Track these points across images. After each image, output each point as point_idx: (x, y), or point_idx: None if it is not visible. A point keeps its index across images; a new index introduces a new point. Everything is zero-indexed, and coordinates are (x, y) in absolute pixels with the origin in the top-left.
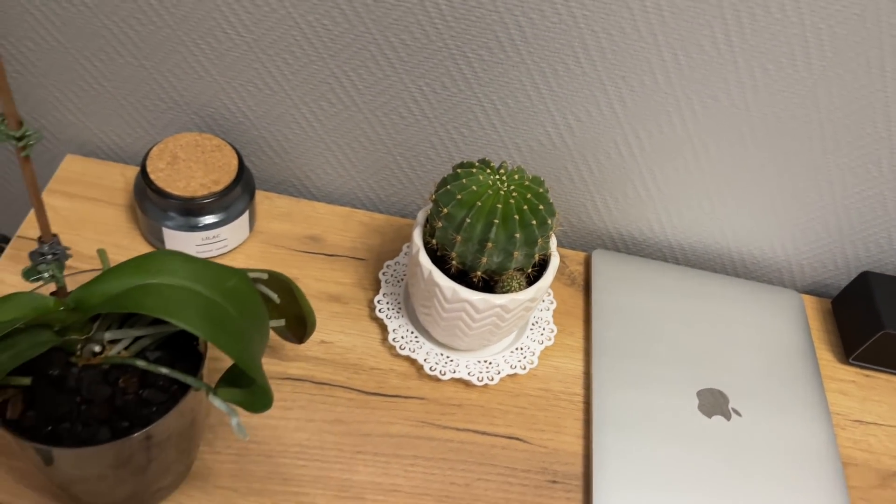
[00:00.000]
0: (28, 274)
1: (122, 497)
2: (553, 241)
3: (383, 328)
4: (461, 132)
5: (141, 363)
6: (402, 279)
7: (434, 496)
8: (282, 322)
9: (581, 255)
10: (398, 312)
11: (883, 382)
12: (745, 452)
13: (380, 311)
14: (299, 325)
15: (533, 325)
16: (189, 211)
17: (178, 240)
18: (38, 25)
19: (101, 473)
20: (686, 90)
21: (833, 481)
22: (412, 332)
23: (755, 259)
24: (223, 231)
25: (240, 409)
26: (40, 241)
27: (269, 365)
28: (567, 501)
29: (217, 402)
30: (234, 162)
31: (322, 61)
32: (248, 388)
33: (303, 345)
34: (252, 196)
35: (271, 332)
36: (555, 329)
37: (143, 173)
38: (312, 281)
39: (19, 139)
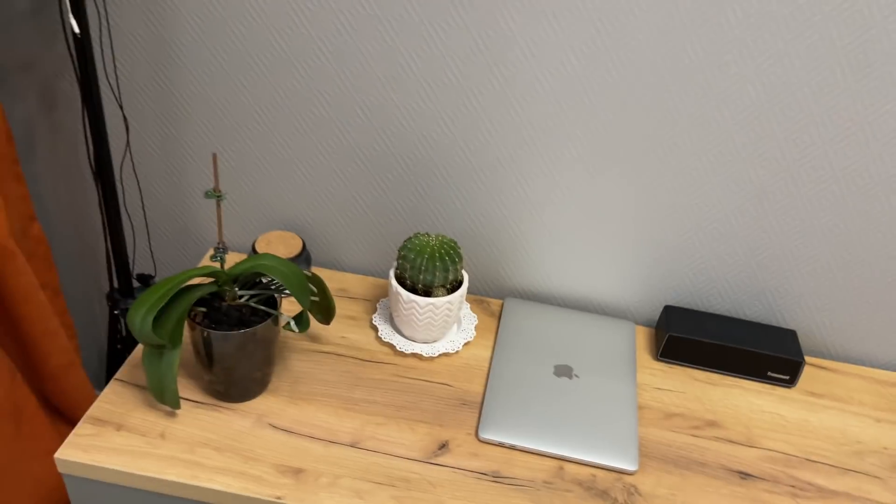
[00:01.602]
0: (213, 257)
1: (238, 377)
2: (465, 275)
3: (376, 330)
4: (423, 227)
5: (253, 304)
6: (388, 307)
7: (396, 407)
8: (316, 298)
9: (500, 301)
10: (385, 322)
11: (679, 371)
12: (579, 397)
13: (375, 321)
14: (326, 311)
15: (462, 330)
16: None
17: None
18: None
19: (232, 353)
20: (532, 211)
21: (630, 413)
22: (392, 331)
23: (607, 303)
24: None
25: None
26: (218, 244)
27: (312, 345)
28: (470, 413)
29: (284, 317)
30: (300, 244)
31: (348, 190)
32: (302, 322)
33: (331, 335)
34: (309, 265)
35: (313, 326)
36: (474, 334)
37: (253, 249)
38: (341, 310)
39: (219, 196)
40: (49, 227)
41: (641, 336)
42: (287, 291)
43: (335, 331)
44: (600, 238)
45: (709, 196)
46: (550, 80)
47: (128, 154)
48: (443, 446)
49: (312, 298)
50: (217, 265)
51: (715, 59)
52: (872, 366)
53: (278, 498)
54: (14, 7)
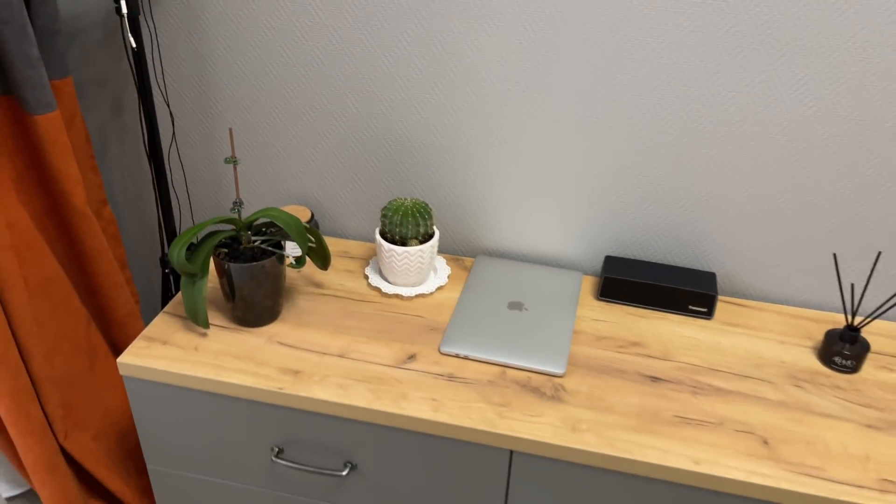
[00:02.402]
0: (231, 209)
1: (254, 304)
2: (436, 230)
3: (367, 278)
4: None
5: (264, 246)
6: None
7: (377, 331)
8: (314, 245)
9: (472, 259)
10: (374, 273)
11: (616, 308)
12: (524, 323)
13: (366, 272)
14: (323, 258)
15: (438, 278)
16: None
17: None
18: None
19: (247, 282)
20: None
21: (565, 335)
22: (379, 279)
23: (561, 257)
24: None
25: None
26: (235, 199)
27: (316, 290)
28: (437, 336)
29: (288, 252)
30: (309, 214)
31: (346, 170)
32: (300, 261)
33: (331, 282)
34: None
35: (316, 275)
36: (447, 280)
37: None
38: (341, 266)
39: (235, 161)
40: (117, 211)
41: (588, 284)
42: (290, 238)
43: (335, 280)
44: (551, 202)
45: (632, 161)
46: (494, 71)
47: (174, 143)
48: (411, 357)
49: (310, 245)
50: (235, 216)
51: (622, 47)
52: (786, 304)
53: (280, 388)
54: (90, 36)
